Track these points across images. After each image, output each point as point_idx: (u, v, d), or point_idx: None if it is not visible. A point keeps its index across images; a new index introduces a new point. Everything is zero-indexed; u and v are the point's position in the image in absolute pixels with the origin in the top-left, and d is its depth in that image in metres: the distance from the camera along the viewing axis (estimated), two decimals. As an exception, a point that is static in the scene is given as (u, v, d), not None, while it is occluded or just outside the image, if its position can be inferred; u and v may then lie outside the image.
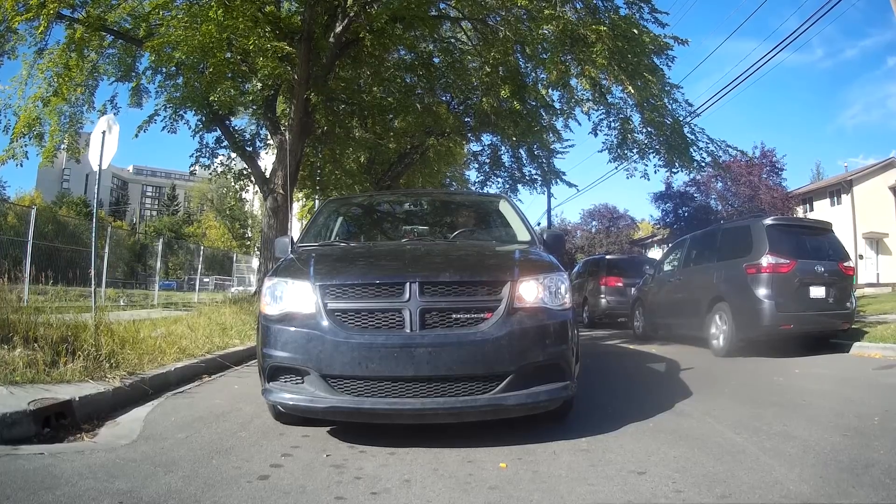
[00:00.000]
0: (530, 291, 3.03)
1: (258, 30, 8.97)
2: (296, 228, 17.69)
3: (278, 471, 2.54)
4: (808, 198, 29.59)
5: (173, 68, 10.12)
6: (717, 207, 24.54)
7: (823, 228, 7.84)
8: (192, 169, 14.04)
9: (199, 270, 21.41)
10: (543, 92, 10.47)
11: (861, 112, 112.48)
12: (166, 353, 4.75)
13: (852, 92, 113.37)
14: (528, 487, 2.34)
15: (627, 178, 12.53)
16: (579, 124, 14.09)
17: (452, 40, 13.03)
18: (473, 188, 18.73)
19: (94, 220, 7.13)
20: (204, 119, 12.17)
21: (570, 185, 15.77)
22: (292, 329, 2.95)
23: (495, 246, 4.05)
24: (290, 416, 3.27)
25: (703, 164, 11.66)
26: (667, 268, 9.62)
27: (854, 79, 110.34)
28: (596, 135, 11.86)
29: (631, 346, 8.63)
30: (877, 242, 27.31)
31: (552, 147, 15.01)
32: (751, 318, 6.83)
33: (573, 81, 10.28)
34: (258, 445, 2.94)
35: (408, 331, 2.82)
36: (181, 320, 6.98)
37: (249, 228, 57.42)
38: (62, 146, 11.79)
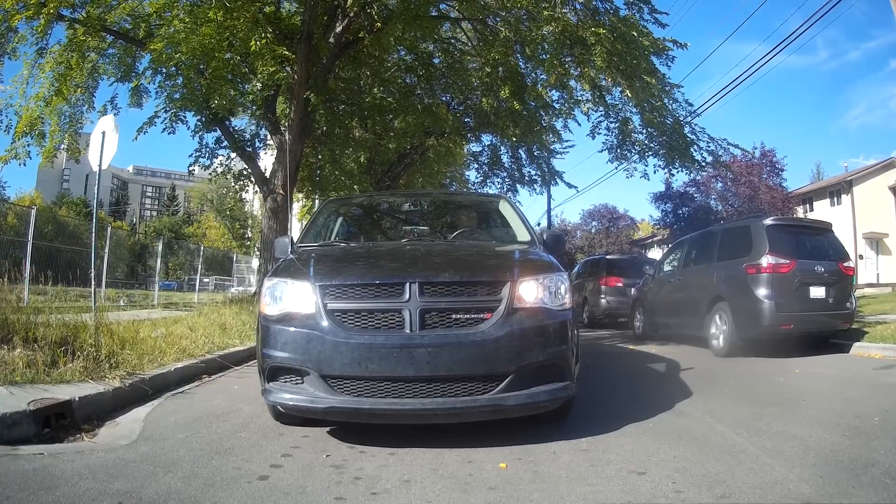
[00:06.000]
0: (530, 292, 3.03)
1: (258, 31, 8.97)
2: (296, 229, 17.69)
3: (278, 471, 2.54)
4: (808, 198, 29.60)
5: (173, 68, 10.11)
6: (716, 207, 24.52)
7: (823, 228, 7.84)
8: (191, 169, 14.01)
9: (199, 271, 21.39)
10: (543, 92, 10.47)
11: (863, 113, 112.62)
12: (166, 354, 4.75)
13: (855, 93, 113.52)
14: (528, 488, 2.34)
15: (628, 177, 12.56)
16: (579, 125, 14.28)
17: (452, 41, 13.03)
18: (473, 189, 18.73)
19: (94, 220, 7.13)
20: (204, 120, 12.15)
21: (569, 185, 15.83)
22: (292, 329, 2.95)
23: (495, 246, 4.05)
24: (290, 417, 3.27)
25: (704, 164, 11.65)
26: (667, 268, 9.62)
27: (857, 80, 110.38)
28: (594, 137, 11.88)
29: (631, 346, 8.63)
30: (877, 242, 27.32)
31: (552, 148, 15.03)
32: (751, 318, 6.83)
33: (572, 82, 10.29)
34: (258, 446, 2.94)
35: (408, 331, 2.82)
36: (181, 320, 6.98)
37: (249, 229, 57.42)
38: (62, 146, 11.77)
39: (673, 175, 12.81)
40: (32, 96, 10.63)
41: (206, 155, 13.35)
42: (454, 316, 2.88)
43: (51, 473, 2.37)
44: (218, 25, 8.43)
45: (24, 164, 10.86)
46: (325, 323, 2.89)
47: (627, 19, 9.53)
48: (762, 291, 6.82)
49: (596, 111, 11.31)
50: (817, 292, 6.94)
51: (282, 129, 11.70)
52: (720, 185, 23.89)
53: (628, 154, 11.91)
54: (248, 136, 13.96)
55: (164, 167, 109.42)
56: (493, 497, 2.25)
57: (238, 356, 5.73)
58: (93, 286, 5.81)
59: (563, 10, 9.39)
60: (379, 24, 9.57)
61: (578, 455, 2.77)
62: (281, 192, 10.94)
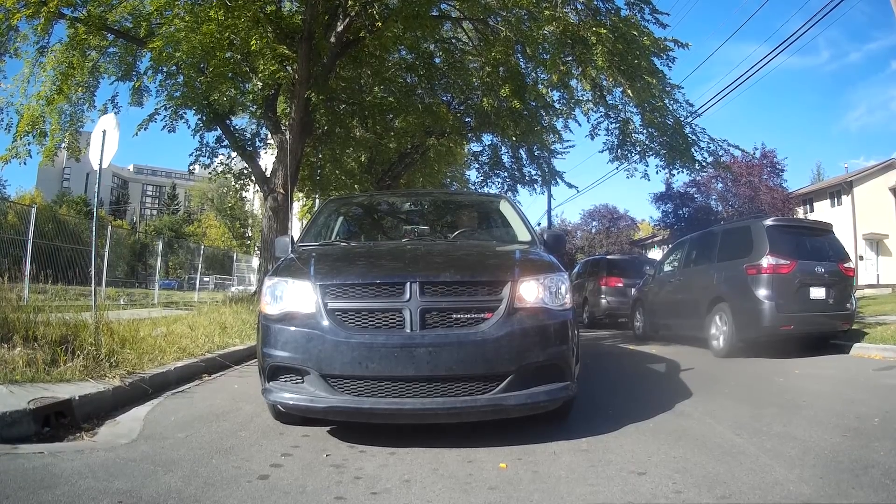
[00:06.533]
0: (531, 291, 3.03)
1: (259, 30, 8.97)
2: (296, 228, 17.69)
3: (278, 470, 2.54)
4: (808, 199, 29.60)
5: (174, 67, 10.12)
6: (717, 208, 24.51)
7: (824, 229, 7.83)
8: (191, 168, 14.02)
9: (199, 270, 21.40)
10: (544, 91, 10.48)
11: (864, 114, 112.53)
12: (166, 353, 4.75)
13: (855, 94, 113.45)
14: (528, 488, 2.34)
15: (628, 177, 12.57)
16: (579, 125, 14.38)
17: (453, 40, 13.03)
18: (473, 188, 18.73)
19: (95, 219, 7.12)
20: (204, 118, 12.17)
21: (570, 185, 15.80)
22: (292, 328, 2.95)
23: (496, 246, 4.05)
24: (290, 416, 3.26)
25: (704, 164, 11.67)
26: (667, 268, 9.62)
27: (858, 82, 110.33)
28: (593, 138, 11.90)
29: (631, 347, 8.63)
30: (877, 243, 27.31)
31: (552, 147, 15.03)
32: (751, 319, 6.83)
33: (573, 82, 10.30)
34: (258, 445, 2.94)
35: (408, 331, 2.81)
36: (181, 319, 6.98)
37: (250, 228, 57.35)
38: (62, 145, 11.79)
39: (673, 175, 12.84)
40: (34, 95, 10.66)
41: (207, 154, 13.37)
42: (455, 316, 2.88)
43: (51, 472, 2.37)
44: (219, 24, 8.43)
45: (25, 164, 10.89)
46: (325, 322, 2.89)
47: (628, 19, 9.53)
48: (762, 292, 6.81)
49: (596, 111, 11.35)
50: (817, 293, 6.94)
51: (282, 128, 11.71)
52: (720, 185, 23.88)
53: (629, 154, 11.93)
54: (248, 136, 14.00)
55: (165, 166, 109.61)
56: (494, 497, 2.25)
57: (238, 355, 5.72)
58: (93, 285, 5.80)
59: (565, 10, 9.39)
60: (380, 24, 9.57)
61: (578, 455, 2.77)
62: (281, 191, 10.94)
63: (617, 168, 12.52)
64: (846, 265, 7.36)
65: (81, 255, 11.19)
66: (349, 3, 9.99)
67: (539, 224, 24.55)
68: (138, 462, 2.59)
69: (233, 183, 15.98)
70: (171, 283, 30.65)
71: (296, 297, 3.04)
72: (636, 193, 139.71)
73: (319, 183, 16.01)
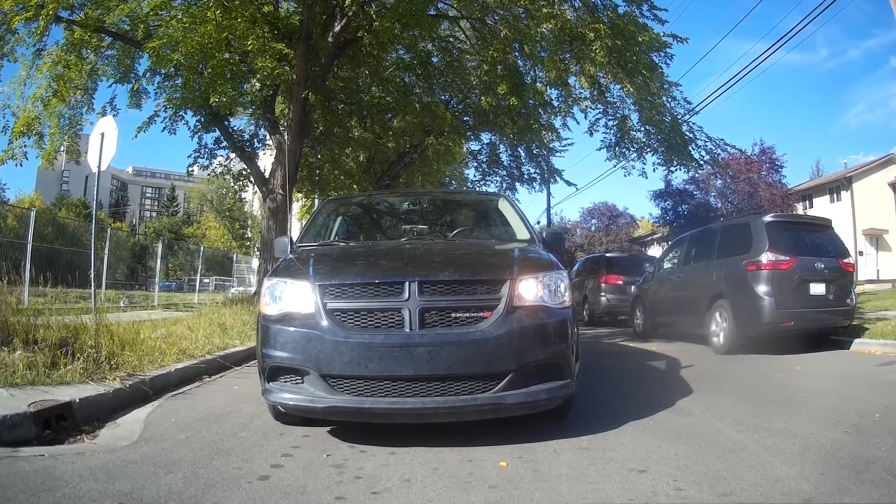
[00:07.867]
0: (530, 290, 3.02)
1: (256, 30, 8.96)
2: (295, 229, 17.69)
3: (278, 471, 2.54)
4: (807, 195, 29.59)
5: (172, 69, 10.11)
6: (716, 205, 24.52)
7: (823, 225, 7.84)
8: (190, 169, 14.02)
9: (199, 271, 21.43)
10: (542, 90, 10.47)
11: (864, 111, 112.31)
12: (166, 354, 4.74)
13: (855, 91, 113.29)
14: (528, 486, 2.34)
15: (625, 175, 12.54)
16: (577, 123, 14.28)
17: (451, 39, 13.02)
18: (472, 187, 18.72)
19: (94, 221, 7.14)
20: (203, 120, 12.16)
21: (569, 183, 15.76)
22: (292, 329, 2.95)
23: (494, 244, 4.04)
24: (291, 417, 3.26)
25: (702, 162, 11.68)
26: (667, 265, 9.62)
27: (857, 79, 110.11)
28: (591, 134, 11.89)
29: (631, 344, 8.63)
30: (876, 239, 27.31)
31: (551, 146, 15.02)
32: (751, 316, 6.83)
33: (571, 79, 10.30)
34: (258, 446, 2.94)
35: (407, 330, 2.81)
36: (181, 321, 6.98)
37: (249, 229, 57.41)
38: (61, 148, 11.78)
39: (672, 172, 12.86)
40: (30, 97, 10.64)
41: (206, 155, 13.37)
42: (454, 315, 2.88)
43: (51, 475, 2.37)
44: (216, 25, 8.42)
45: (21, 165, 10.87)
46: (324, 322, 2.88)
47: (627, 15, 9.53)
48: (762, 288, 6.81)
49: (594, 108, 11.34)
50: (817, 289, 6.94)
51: (281, 128, 11.70)
52: (720, 182, 23.89)
53: (626, 152, 11.93)
54: (247, 136, 13.99)
55: (164, 168, 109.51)
56: (494, 496, 2.25)
57: (238, 356, 5.72)
58: (93, 287, 5.81)
59: (563, 7, 9.38)
60: (377, 23, 9.57)
61: (579, 453, 2.77)
62: (280, 191, 10.93)
63: (615, 166, 12.53)
64: (846, 261, 7.36)
65: (81, 258, 11.20)
66: (346, 2, 9.98)
67: (538, 222, 24.59)
68: (139, 464, 2.59)
69: (232, 184, 15.98)
70: (171, 284, 30.65)
71: (295, 297, 3.04)
72: (635, 191, 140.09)
73: (318, 183, 16.01)
